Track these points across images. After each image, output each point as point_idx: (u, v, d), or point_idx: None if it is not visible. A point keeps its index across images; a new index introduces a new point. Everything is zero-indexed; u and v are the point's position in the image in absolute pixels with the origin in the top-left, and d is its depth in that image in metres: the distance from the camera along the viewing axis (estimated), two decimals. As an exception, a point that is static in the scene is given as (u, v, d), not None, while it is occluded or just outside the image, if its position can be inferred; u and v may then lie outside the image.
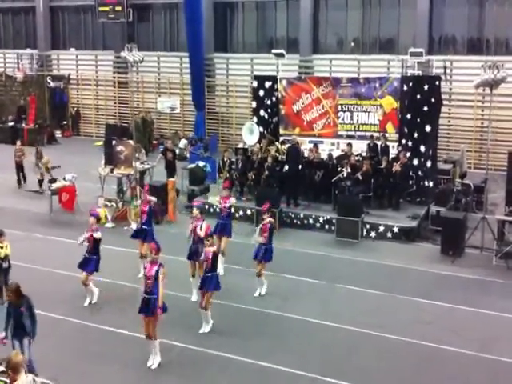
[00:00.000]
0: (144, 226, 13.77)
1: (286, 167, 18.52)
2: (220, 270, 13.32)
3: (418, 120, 18.27)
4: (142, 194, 14.86)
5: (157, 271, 10.08)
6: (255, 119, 21.54)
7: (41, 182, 20.74)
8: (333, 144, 20.63)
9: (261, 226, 12.78)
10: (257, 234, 12.67)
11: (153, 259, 10.26)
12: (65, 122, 32.39)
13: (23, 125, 30.26)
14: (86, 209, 18.34)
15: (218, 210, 14.65)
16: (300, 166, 18.35)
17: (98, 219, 12.98)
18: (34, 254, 15.14)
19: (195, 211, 12.64)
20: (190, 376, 10.01)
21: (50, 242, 16.32)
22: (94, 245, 12.48)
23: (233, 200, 14.42)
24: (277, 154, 18.99)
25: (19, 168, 21.93)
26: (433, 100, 18.07)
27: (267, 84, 21.52)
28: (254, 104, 22.14)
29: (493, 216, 15.42)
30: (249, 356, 10.49)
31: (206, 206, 17.56)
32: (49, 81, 32.60)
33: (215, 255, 11.13)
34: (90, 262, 12.48)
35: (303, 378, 9.89)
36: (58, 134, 31.49)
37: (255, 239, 12.65)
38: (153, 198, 14.33)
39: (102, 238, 12.57)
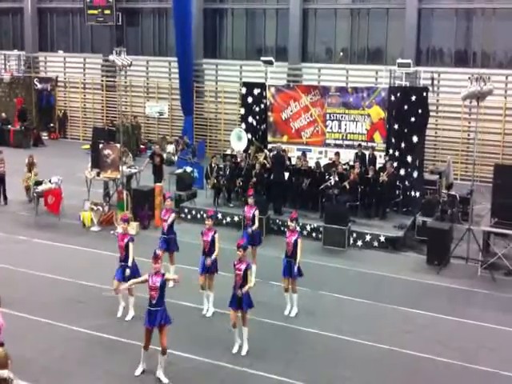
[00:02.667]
0: (170, 235, 13.40)
1: (273, 175, 18.56)
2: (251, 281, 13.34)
3: (406, 130, 18.39)
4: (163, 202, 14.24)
5: (162, 281, 9.71)
6: (243, 126, 21.58)
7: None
8: (321, 152, 20.74)
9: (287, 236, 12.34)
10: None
11: (157, 270, 9.78)
12: (52, 125, 32.23)
13: (9, 126, 30.06)
14: (72, 212, 18.43)
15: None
16: (287, 174, 18.40)
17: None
18: (18, 256, 15.03)
19: (209, 221, 12.21)
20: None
21: (34, 245, 16.19)
22: (127, 251, 11.89)
23: (257, 212, 13.89)
24: (265, 161, 19.00)
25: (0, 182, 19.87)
26: (420, 111, 18.17)
27: (256, 91, 21.61)
28: (242, 110, 22.19)
29: (478, 227, 15.53)
30: (231, 362, 10.47)
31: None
32: (36, 83, 32.46)
33: (247, 270, 10.65)
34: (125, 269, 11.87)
35: (287, 386, 9.90)
36: (44, 136, 31.33)
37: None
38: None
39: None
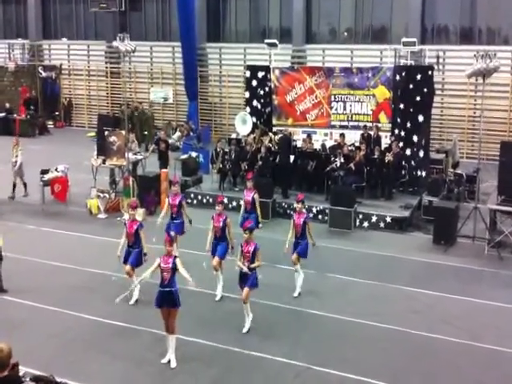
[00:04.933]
0: (176, 220, 13.44)
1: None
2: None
3: (411, 110, 18.28)
4: (171, 185, 14.13)
5: (174, 263, 9.77)
6: (248, 109, 21.50)
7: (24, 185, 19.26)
8: (326, 134, 20.64)
9: (293, 220, 12.32)
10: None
11: (168, 252, 9.85)
12: (57, 113, 32.27)
13: (15, 115, 30.13)
14: (79, 200, 18.49)
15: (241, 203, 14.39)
16: (292, 157, 18.37)
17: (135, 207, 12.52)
18: (26, 245, 15.07)
19: (219, 207, 12.20)
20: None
21: (42, 234, 16.26)
22: (136, 236, 11.95)
23: (256, 196, 14.00)
24: (270, 145, 18.96)
25: None
26: (425, 90, 18.07)
27: (260, 74, 21.50)
28: (246, 94, 22.10)
29: (485, 205, 15.47)
30: (237, 344, 10.48)
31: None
32: (40, 71, 32.47)
33: (254, 251, 10.69)
34: (133, 254, 12.02)
35: (294, 368, 9.88)
36: (50, 124, 31.38)
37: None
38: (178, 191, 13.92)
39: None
